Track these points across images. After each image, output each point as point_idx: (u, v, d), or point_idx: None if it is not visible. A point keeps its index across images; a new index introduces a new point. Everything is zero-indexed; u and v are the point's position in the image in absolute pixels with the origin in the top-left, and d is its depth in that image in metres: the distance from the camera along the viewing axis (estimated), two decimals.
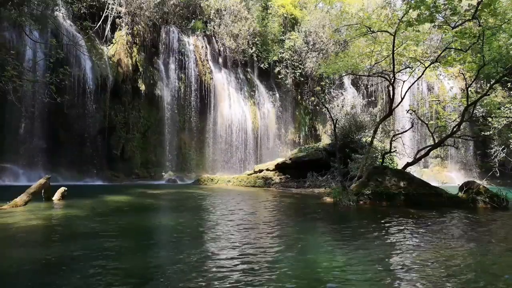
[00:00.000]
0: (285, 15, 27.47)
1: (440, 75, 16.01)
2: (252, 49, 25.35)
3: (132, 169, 20.23)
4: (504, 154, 21.05)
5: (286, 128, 27.25)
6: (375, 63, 14.79)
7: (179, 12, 23.52)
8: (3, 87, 11.73)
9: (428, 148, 13.65)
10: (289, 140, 27.21)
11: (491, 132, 18.84)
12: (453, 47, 12.00)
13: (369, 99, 26.81)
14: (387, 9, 13.64)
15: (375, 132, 13.49)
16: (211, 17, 24.59)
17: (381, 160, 14.27)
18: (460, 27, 10.87)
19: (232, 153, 23.64)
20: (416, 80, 14.23)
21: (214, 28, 24.50)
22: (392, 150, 13.82)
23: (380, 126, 16.22)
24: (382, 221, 7.40)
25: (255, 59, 26.07)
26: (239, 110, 24.29)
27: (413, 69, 13.93)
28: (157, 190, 14.07)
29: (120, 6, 20.33)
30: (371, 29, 12.39)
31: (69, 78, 15.48)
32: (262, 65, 26.08)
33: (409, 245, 5.30)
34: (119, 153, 19.90)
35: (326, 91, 27.03)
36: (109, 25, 20.04)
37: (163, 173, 20.92)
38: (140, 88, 20.83)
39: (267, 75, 27.08)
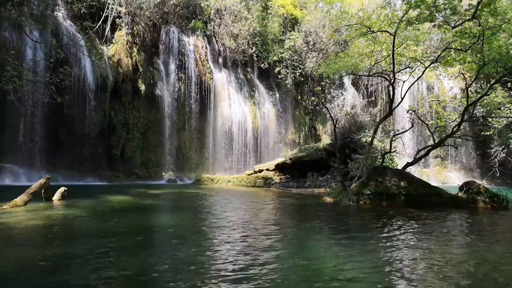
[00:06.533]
0: (285, 15, 27.45)
1: (440, 75, 15.99)
2: (252, 49, 25.34)
3: (132, 169, 20.22)
4: (504, 154, 21.05)
5: (286, 128, 27.24)
6: (375, 63, 14.78)
7: (179, 12, 23.51)
8: (3, 87, 11.72)
9: (428, 148, 13.65)
10: (289, 140, 27.20)
11: (491, 132, 18.83)
12: (453, 47, 11.99)
13: (369, 99, 26.78)
14: (387, 9, 13.60)
15: (375, 132, 13.49)
16: (211, 17, 24.58)
17: (381, 160, 14.28)
18: (460, 27, 10.86)
19: (232, 153, 23.64)
20: (416, 80, 14.23)
21: (214, 28, 24.49)
22: (392, 150, 13.82)
23: (380, 126, 16.22)
24: (382, 221, 7.40)
25: (255, 59, 26.05)
26: (239, 110, 24.28)
27: (413, 69, 13.92)
28: (157, 190, 14.07)
29: (120, 6, 20.31)
30: (371, 29, 12.39)
31: (69, 78, 15.48)
32: (262, 65, 26.06)
33: (409, 246, 5.30)
34: (119, 153, 19.90)
35: (326, 91, 27.01)
36: (109, 25, 20.03)
37: (163, 173, 20.91)
38: (140, 88, 20.82)
39: (267, 75, 27.07)
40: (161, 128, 21.66)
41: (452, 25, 11.00)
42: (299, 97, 27.99)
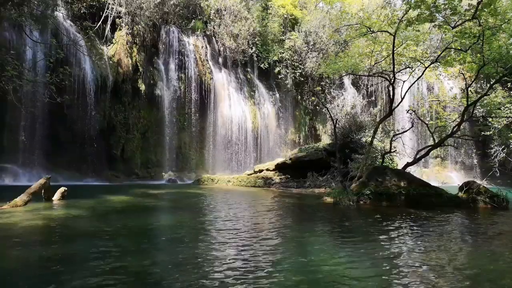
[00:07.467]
0: (285, 15, 27.45)
1: (440, 75, 15.97)
2: (252, 49, 25.33)
3: (132, 169, 20.20)
4: (504, 154, 21.04)
5: (286, 128, 27.23)
6: (375, 63, 14.77)
7: (179, 12, 23.50)
8: (3, 87, 11.73)
9: (428, 148, 13.64)
10: (289, 140, 27.20)
11: (491, 132, 18.82)
12: (453, 47, 11.99)
13: (369, 99, 26.77)
14: (387, 9, 13.60)
15: (375, 132, 13.48)
16: (211, 17, 24.57)
17: (381, 160, 14.27)
18: (460, 27, 10.86)
19: (232, 153, 23.63)
20: (416, 80, 14.22)
21: (214, 28, 24.49)
22: (392, 150, 13.81)
23: (380, 126, 16.21)
24: (382, 221, 7.40)
25: (255, 59, 26.05)
26: (239, 110, 24.28)
27: (413, 69, 13.91)
28: (157, 190, 14.07)
29: (120, 6, 20.30)
30: (371, 29, 12.38)
31: (69, 78, 15.48)
32: (262, 65, 26.06)
33: (409, 246, 5.30)
34: (119, 153, 19.89)
35: (326, 91, 27.01)
36: (109, 25, 20.02)
37: (163, 173, 20.90)
38: (140, 88, 20.81)
39: (267, 75, 27.07)
40: (161, 128, 21.65)
41: (452, 25, 10.99)
42: (299, 97, 27.99)
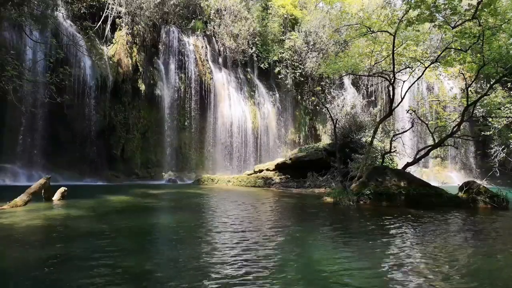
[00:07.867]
0: (285, 15, 27.46)
1: (440, 75, 15.97)
2: (252, 49, 25.34)
3: (132, 169, 20.20)
4: (504, 154, 21.04)
5: (286, 128, 27.24)
6: (375, 63, 14.77)
7: (179, 12, 23.50)
8: (3, 87, 11.73)
9: (428, 148, 13.65)
10: (289, 140, 27.20)
11: (491, 132, 18.82)
12: (453, 47, 11.99)
13: (369, 99, 26.77)
14: (387, 9, 13.61)
15: (375, 132, 13.48)
16: (211, 17, 24.58)
17: (381, 160, 14.27)
18: (460, 27, 10.86)
19: (232, 153, 23.63)
20: (416, 80, 14.22)
21: (214, 28, 24.50)
22: (392, 150, 13.82)
23: (380, 126, 16.21)
24: (382, 221, 7.40)
25: (255, 59, 26.06)
26: (239, 110, 24.28)
27: (413, 69, 13.92)
28: (157, 190, 14.07)
29: (120, 6, 20.30)
30: (371, 29, 12.38)
31: (69, 78, 15.48)
32: (262, 65, 26.07)
33: (409, 246, 5.30)
34: (119, 153, 19.89)
35: (326, 91, 27.00)
36: (109, 25, 20.03)
37: (163, 173, 20.90)
38: (140, 88, 20.81)
39: (267, 75, 27.07)
40: (161, 128, 21.65)
41: (452, 25, 10.99)
42: (299, 97, 27.99)
